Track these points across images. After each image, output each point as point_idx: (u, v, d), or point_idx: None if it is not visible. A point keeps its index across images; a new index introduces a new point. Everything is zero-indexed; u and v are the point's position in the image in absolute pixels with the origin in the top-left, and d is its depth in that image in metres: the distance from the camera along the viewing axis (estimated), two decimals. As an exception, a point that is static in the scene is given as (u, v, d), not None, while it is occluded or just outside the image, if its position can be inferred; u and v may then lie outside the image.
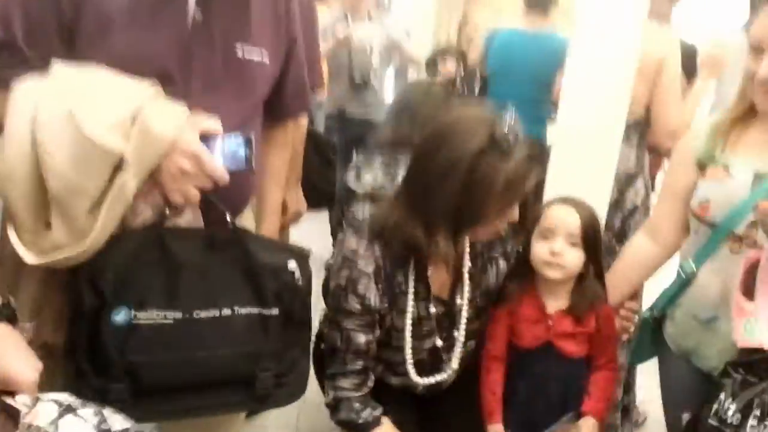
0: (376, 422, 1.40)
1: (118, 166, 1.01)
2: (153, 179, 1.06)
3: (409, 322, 1.39)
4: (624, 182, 2.23)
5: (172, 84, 1.12)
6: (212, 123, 1.10)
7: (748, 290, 1.20)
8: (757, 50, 1.26)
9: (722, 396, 1.19)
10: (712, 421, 1.20)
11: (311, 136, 2.15)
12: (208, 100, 1.16)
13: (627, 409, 2.37)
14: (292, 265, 1.21)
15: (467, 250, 1.45)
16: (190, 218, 1.15)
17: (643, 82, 2.09)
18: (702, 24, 3.80)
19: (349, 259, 1.35)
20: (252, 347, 1.18)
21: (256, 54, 1.24)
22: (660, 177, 3.34)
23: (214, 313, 1.14)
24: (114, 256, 1.06)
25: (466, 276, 1.45)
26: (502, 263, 1.53)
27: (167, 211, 1.11)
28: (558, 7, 3.11)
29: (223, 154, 1.08)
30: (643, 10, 1.85)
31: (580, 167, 1.89)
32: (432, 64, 5.00)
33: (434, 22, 7.28)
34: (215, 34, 1.18)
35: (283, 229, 2.15)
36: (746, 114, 1.34)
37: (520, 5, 3.18)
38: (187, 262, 1.12)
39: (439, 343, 1.46)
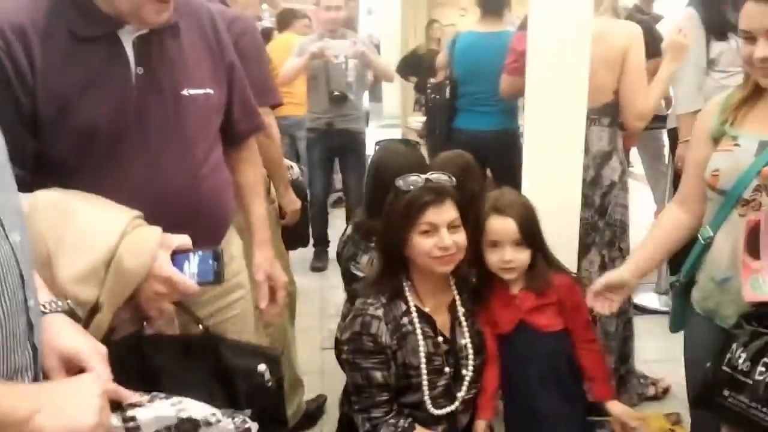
0: (412, 427, 1.56)
1: (94, 308, 1.11)
2: (130, 299, 1.15)
3: (423, 355, 1.56)
4: (600, 161, 2.36)
5: (129, 132, 1.25)
6: (183, 239, 1.20)
7: (753, 250, 1.33)
8: (748, 38, 1.37)
9: (734, 346, 1.32)
10: (726, 368, 1.33)
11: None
12: (169, 137, 1.30)
13: (623, 378, 2.49)
14: (262, 367, 1.28)
15: (457, 296, 1.66)
16: (166, 322, 1.27)
17: (609, 70, 2.24)
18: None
19: (359, 309, 1.57)
20: None
21: (200, 89, 1.35)
22: (634, 152, 3.54)
23: None
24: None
25: (461, 315, 1.64)
26: None
27: (145, 323, 1.23)
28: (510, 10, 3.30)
29: (194, 269, 1.18)
30: (589, 5, 1.98)
31: (551, 152, 2.03)
32: (405, 69, 5.13)
33: (401, 27, 7.48)
34: (160, 82, 1.29)
35: (289, 228, 2.32)
36: (752, 94, 1.45)
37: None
38: (165, 369, 1.20)
39: (448, 370, 1.59)
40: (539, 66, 2.01)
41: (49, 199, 1.14)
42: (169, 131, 1.31)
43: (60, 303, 1.00)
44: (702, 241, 1.51)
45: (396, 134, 5.74)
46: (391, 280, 1.59)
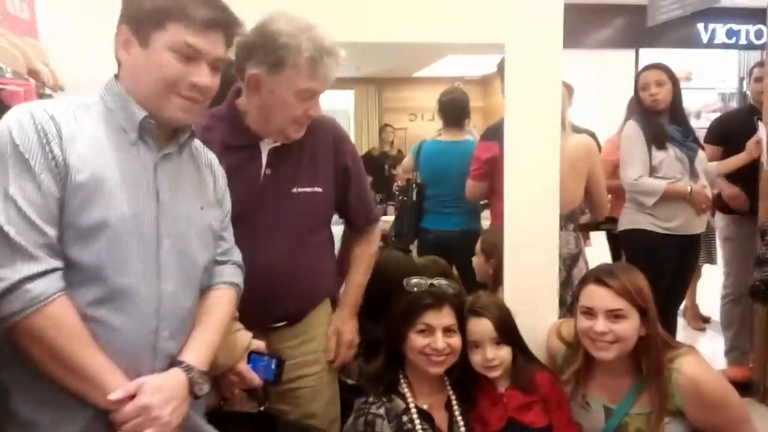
0: None
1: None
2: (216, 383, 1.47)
3: None
4: (570, 263, 2.58)
5: (250, 213, 1.65)
6: (261, 344, 1.56)
7: None
8: (587, 313, 1.67)
9: None
10: None
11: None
12: (277, 223, 1.71)
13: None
14: None
15: (452, 395, 1.74)
16: (241, 402, 1.63)
17: (577, 182, 2.51)
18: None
19: (361, 409, 1.65)
20: None
21: (309, 188, 1.75)
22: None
23: None
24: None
25: (457, 413, 1.71)
26: None
27: (223, 402, 1.57)
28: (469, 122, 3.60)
29: (261, 369, 1.53)
30: (557, 123, 2.14)
31: (528, 254, 2.11)
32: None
33: (354, 129, 7.82)
34: (279, 181, 1.72)
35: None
36: (586, 363, 1.75)
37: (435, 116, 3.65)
38: None
39: None
40: (515, 173, 2.11)
41: None
42: (279, 216, 1.72)
43: (191, 369, 1.27)
44: None
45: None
46: (389, 374, 1.69)
